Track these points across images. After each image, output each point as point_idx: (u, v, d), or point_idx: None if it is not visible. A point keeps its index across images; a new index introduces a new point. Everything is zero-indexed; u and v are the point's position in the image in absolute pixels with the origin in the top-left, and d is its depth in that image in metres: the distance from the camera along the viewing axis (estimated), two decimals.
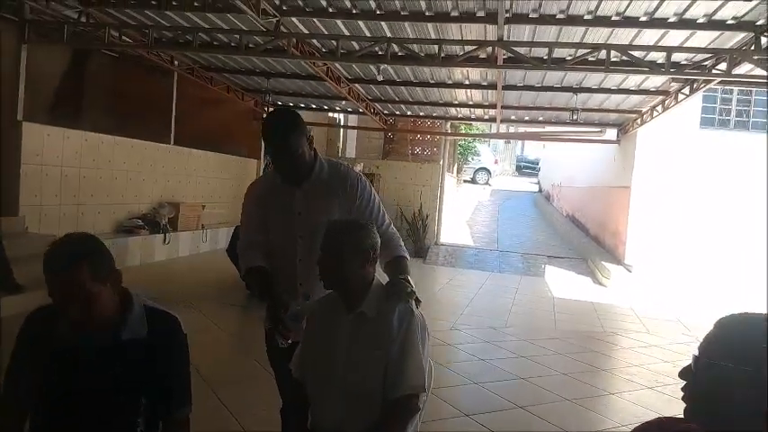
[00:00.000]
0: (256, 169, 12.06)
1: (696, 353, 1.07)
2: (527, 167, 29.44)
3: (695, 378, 1.05)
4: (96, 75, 10.40)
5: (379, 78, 7.51)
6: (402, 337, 1.81)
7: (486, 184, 22.83)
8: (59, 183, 6.94)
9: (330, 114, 13.44)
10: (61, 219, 6.98)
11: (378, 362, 1.79)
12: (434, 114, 11.85)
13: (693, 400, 1.06)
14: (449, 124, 12.86)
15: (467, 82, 8.54)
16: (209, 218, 9.82)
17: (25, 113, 6.65)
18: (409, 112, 11.95)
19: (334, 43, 6.38)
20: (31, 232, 6.43)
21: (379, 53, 6.39)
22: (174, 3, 6.11)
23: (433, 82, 8.78)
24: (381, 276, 2.08)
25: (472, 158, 23.08)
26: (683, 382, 1.08)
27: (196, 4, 6.01)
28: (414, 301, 1.91)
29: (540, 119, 11.02)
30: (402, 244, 2.27)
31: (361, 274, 1.88)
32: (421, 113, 11.97)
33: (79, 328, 1.50)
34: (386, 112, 11.91)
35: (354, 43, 6.52)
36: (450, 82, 8.66)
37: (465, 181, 22.00)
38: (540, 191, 22.14)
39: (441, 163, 12.74)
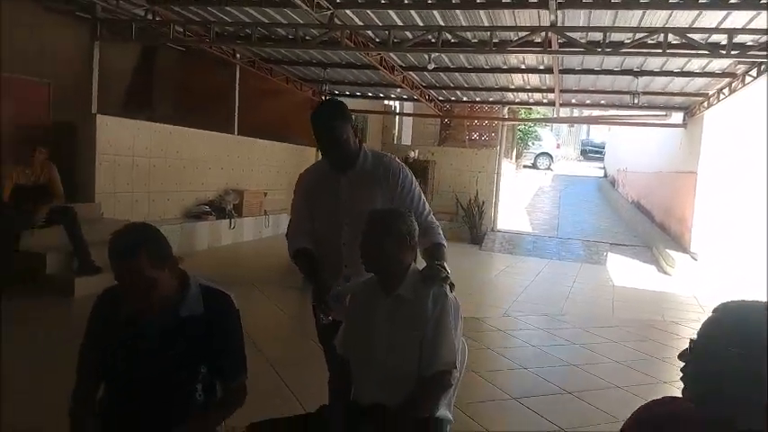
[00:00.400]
0: (315, 157, 12.34)
1: (695, 337, 1.12)
2: (593, 152, 28.52)
3: (693, 361, 1.10)
4: (164, 69, 10.93)
5: (431, 67, 7.53)
6: (436, 319, 1.91)
7: (548, 169, 22.34)
8: (131, 171, 7.38)
9: (386, 102, 13.52)
10: (134, 205, 7.45)
11: (414, 342, 1.90)
12: (491, 99, 11.72)
13: (690, 382, 1.11)
14: (506, 109, 12.72)
15: (523, 67, 8.42)
16: (271, 204, 10.17)
17: (99, 107, 7.11)
18: (465, 98, 11.87)
19: (387, 33, 6.46)
20: (106, 218, 6.89)
21: (432, 41, 6.40)
22: None
23: (488, 67, 8.71)
24: (420, 263, 2.20)
25: (533, 143, 22.64)
26: None
27: None
28: (448, 286, 1.99)
29: (602, 102, 10.72)
30: (440, 232, 2.36)
31: (399, 258, 1.99)
32: (477, 99, 11.87)
33: (141, 307, 1.69)
34: (441, 98, 11.88)
35: (407, 33, 6.57)
36: (505, 67, 8.56)
37: (525, 166, 21.63)
38: (606, 176, 21.45)
39: (497, 148, 12.62)
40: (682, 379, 1.13)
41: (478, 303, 6.33)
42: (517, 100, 11.46)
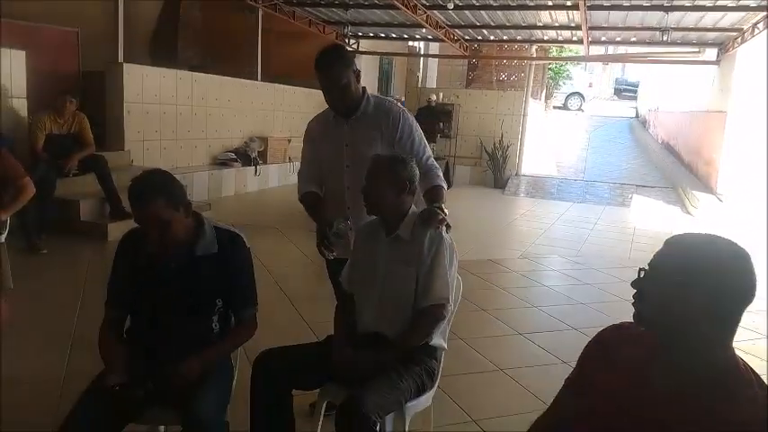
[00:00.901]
0: None
1: (646, 267, 1.23)
2: (627, 90, 27.53)
3: (642, 288, 1.22)
4: (187, 15, 10.98)
5: (450, 6, 7.38)
6: (431, 257, 2.05)
7: (579, 110, 21.84)
8: (159, 119, 7.57)
9: (410, 44, 13.31)
10: (162, 152, 7.68)
11: (410, 277, 2.06)
12: (518, 38, 11.46)
13: (640, 307, 1.22)
14: (534, 48, 12.40)
15: (549, 3, 8.20)
16: (296, 150, 10.20)
17: (125, 55, 7.24)
18: (492, 37, 11.60)
19: None
20: (136, 165, 7.12)
21: None
22: None
23: (514, 4, 8.50)
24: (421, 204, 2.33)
25: (564, 83, 22.07)
26: None
27: None
28: (444, 227, 2.12)
29: (633, 39, 10.37)
30: (440, 174, 2.47)
31: (398, 202, 2.12)
32: (504, 38, 11.62)
33: (160, 247, 1.87)
34: (467, 38, 11.63)
35: None
36: (531, 3, 8.35)
37: (555, 107, 21.18)
38: (637, 116, 20.91)
39: (524, 90, 12.39)
40: (633, 304, 1.25)
41: (496, 246, 6.48)
42: (546, 38, 11.19)
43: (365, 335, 2.11)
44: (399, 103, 2.57)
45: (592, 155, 14.63)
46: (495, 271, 5.44)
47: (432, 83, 14.58)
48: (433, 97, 11.40)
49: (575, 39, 10.46)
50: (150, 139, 7.47)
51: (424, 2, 8.47)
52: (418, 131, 2.49)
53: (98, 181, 5.73)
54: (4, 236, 3.74)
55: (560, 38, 10.83)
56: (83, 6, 7.08)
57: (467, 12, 9.16)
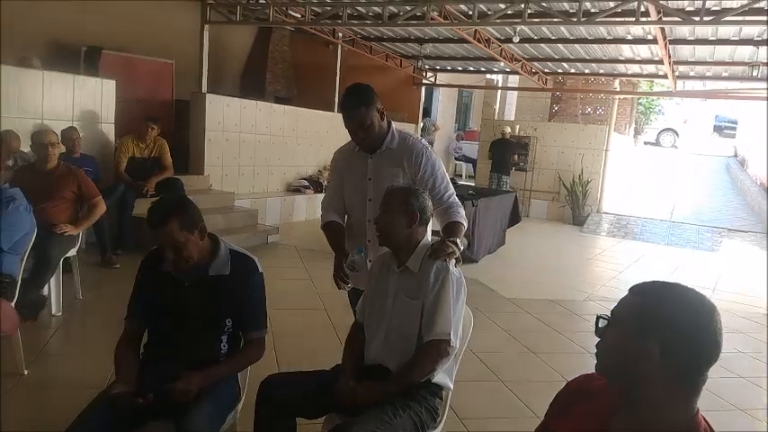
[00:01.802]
0: (415, 132, 12.50)
1: (607, 314, 1.15)
2: (727, 128, 25.91)
3: (604, 337, 1.14)
4: (276, 50, 11.60)
5: (516, 40, 7.31)
6: (437, 291, 2.02)
7: (673, 146, 20.74)
8: (238, 147, 7.99)
9: (488, 76, 13.28)
10: (239, 178, 8.07)
11: (415, 310, 2.04)
12: (601, 72, 11.15)
13: (601, 357, 1.14)
14: (617, 82, 11.98)
15: (629, 37, 7.94)
16: None
17: (209, 86, 7.74)
18: (573, 70, 11.38)
19: (465, 7, 6.41)
20: (214, 189, 7.57)
21: (517, 13, 6.25)
22: None
23: (591, 38, 8.31)
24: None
25: (655, 118, 21.08)
26: None
27: None
28: (453, 261, 2.08)
29: (725, 74, 9.79)
30: (461, 212, 2.44)
31: (408, 233, 2.11)
32: (586, 71, 11.35)
33: (175, 265, 1.96)
34: (546, 70, 11.47)
35: (493, 5, 6.46)
36: (609, 38, 8.12)
37: (647, 143, 20.23)
38: (736, 155, 19.54)
39: (607, 124, 11.96)
40: (596, 355, 1.17)
41: (561, 286, 6.20)
42: (629, 72, 10.80)
43: (370, 366, 2.10)
44: (424, 140, 2.57)
45: (682, 194, 13.80)
46: (553, 312, 5.22)
47: (510, 115, 14.41)
48: (508, 129, 11.25)
49: (660, 73, 10.01)
50: (229, 165, 7.88)
51: (498, 35, 8.45)
52: (441, 169, 2.48)
53: None
54: (74, 250, 4.05)
55: (645, 72, 10.41)
56: (179, 41, 7.65)
57: (543, 45, 9.04)
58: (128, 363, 1.98)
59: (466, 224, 2.42)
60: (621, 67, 10.37)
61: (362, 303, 2.27)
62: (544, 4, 5.97)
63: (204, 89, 7.54)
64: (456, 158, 15.74)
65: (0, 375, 2.79)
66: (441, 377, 2.07)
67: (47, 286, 3.78)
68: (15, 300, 2.85)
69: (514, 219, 8.15)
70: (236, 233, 6.75)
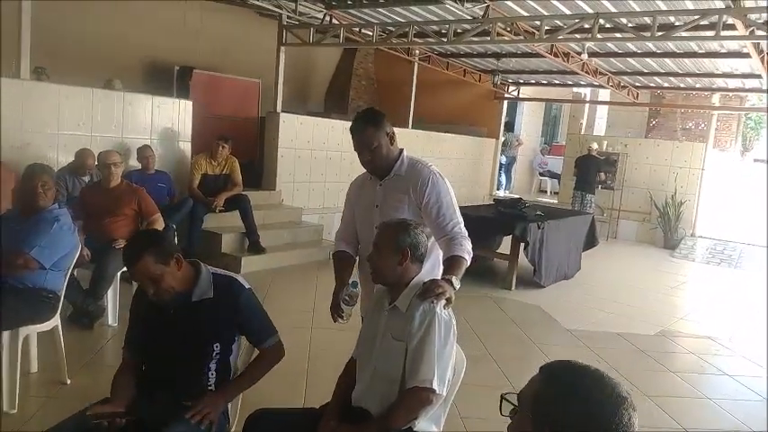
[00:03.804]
0: (494, 149, 12.23)
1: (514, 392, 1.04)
2: None
3: (515, 416, 1.03)
4: (360, 67, 11.89)
5: (584, 57, 6.95)
6: (422, 334, 1.92)
7: None
8: (309, 164, 8.18)
9: (575, 90, 12.74)
10: (310, 194, 8.26)
11: (399, 352, 1.95)
12: (697, 86, 10.37)
13: None
14: (716, 97, 11.08)
15: (722, 51, 7.31)
16: None
17: (294, 103, 8.00)
18: (666, 84, 10.67)
19: (538, 23, 6.19)
20: (285, 205, 7.79)
21: (586, 27, 5.95)
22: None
23: (680, 52, 7.75)
24: None
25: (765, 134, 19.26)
26: None
27: None
28: (442, 302, 1.97)
29: None
30: (465, 244, 2.31)
31: (399, 270, 2.03)
32: (681, 85, 10.60)
33: (155, 297, 2.01)
34: (637, 84, 10.83)
35: (567, 21, 6.20)
36: (700, 51, 7.53)
37: (757, 160, 18.52)
38: None
39: (706, 141, 11.08)
40: None
41: (635, 318, 5.76)
42: (730, 86, 9.96)
43: (355, 408, 2.04)
44: (434, 166, 2.48)
45: None
46: (616, 347, 4.85)
47: (600, 130, 13.72)
48: (595, 146, 10.69)
49: (764, 88, 9.14)
50: (300, 181, 8.09)
51: (578, 49, 8.08)
52: (447, 197, 2.38)
53: (241, 217, 6.33)
54: None
55: (747, 86, 9.54)
56: (266, 61, 8.00)
57: (630, 59, 8.55)
58: (122, 388, 2.04)
59: (469, 259, 2.29)
60: (720, 81, 9.59)
61: (358, 339, 2.21)
62: (616, 19, 5.63)
63: (279, 108, 7.80)
64: (540, 174, 15.21)
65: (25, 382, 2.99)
66: (424, 425, 1.96)
67: (105, 298, 4.03)
68: (59, 312, 3.05)
69: (590, 242, 7.71)
70: (300, 247, 6.91)
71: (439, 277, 2.22)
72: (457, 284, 2.11)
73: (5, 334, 2.72)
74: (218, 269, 2.18)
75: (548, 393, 0.98)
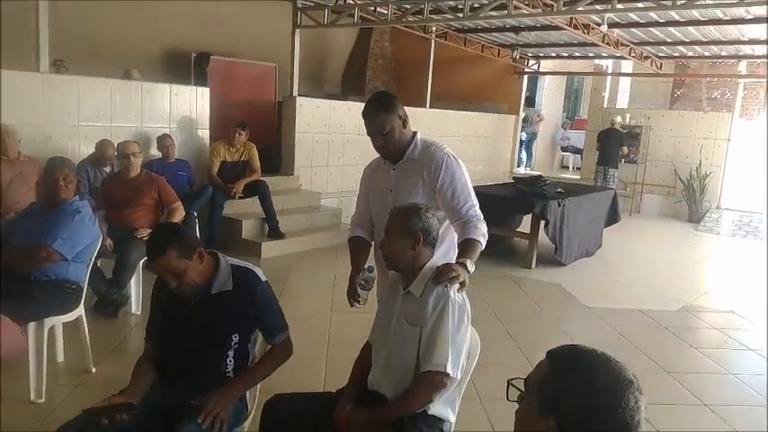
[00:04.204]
0: (514, 125, 12.08)
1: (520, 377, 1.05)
2: None
3: (523, 402, 1.05)
4: (376, 46, 11.82)
5: (604, 29, 6.78)
6: (435, 318, 1.93)
7: None
8: (327, 147, 8.18)
9: (596, 62, 12.47)
10: (328, 178, 8.28)
11: (413, 336, 1.97)
12: (723, 54, 10.07)
13: (520, 422, 1.05)
14: (743, 64, 10.74)
15: (748, 17, 7.08)
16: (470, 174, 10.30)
17: (311, 86, 7.98)
18: (690, 53, 10.38)
19: None
20: (303, 189, 7.83)
21: None
22: None
23: (704, 19, 7.52)
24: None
25: None
26: None
27: None
28: (456, 286, 1.97)
29: None
30: (480, 227, 2.30)
31: (412, 255, 2.04)
32: (706, 54, 10.30)
33: (178, 290, 2.04)
34: (661, 54, 10.56)
35: None
36: (725, 18, 7.30)
37: None
38: None
39: (731, 111, 10.78)
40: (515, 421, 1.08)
41: (657, 293, 5.70)
42: (756, 53, 9.65)
43: (371, 392, 2.07)
44: (447, 148, 2.47)
45: None
46: (638, 323, 4.81)
47: (623, 102, 13.44)
48: (618, 119, 10.50)
49: None
50: (318, 165, 8.10)
51: (598, 20, 7.89)
52: (462, 179, 2.37)
53: (260, 203, 6.39)
54: None
55: None
56: (283, 44, 7.99)
57: (652, 29, 8.32)
58: (140, 377, 2.10)
59: (484, 241, 2.29)
60: (747, 48, 9.29)
61: (373, 324, 2.24)
62: None
63: (295, 92, 7.79)
64: (562, 149, 14.99)
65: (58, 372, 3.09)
66: (439, 409, 1.99)
67: (128, 286, 4.13)
68: (83, 302, 3.13)
69: (612, 218, 7.62)
70: (319, 231, 6.96)
71: (453, 260, 2.23)
72: (471, 268, 2.12)
73: (31, 325, 2.81)
74: (237, 260, 2.21)
75: (554, 378, 0.99)
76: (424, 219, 2.04)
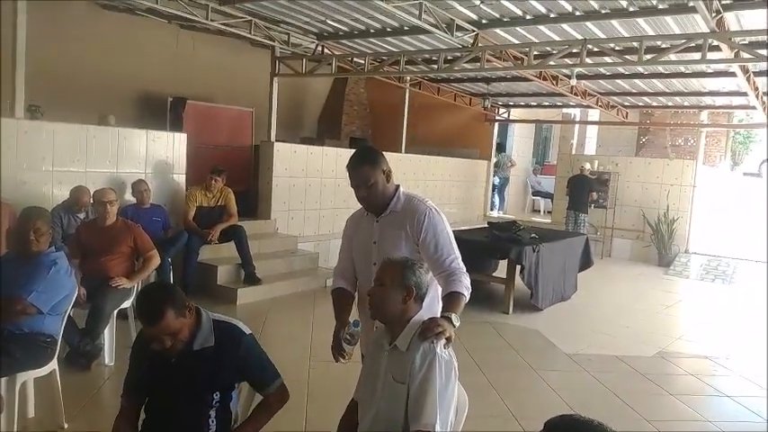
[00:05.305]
0: (486, 170, 12.32)
1: None
2: None
3: None
4: (352, 92, 12.03)
5: (573, 82, 7.06)
6: (423, 376, 1.92)
7: None
8: (304, 191, 8.21)
9: (564, 110, 12.90)
10: (305, 222, 8.27)
11: (401, 394, 1.95)
12: (686, 104, 10.53)
13: None
14: (704, 114, 11.24)
15: (709, 70, 7.45)
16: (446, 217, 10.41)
17: (288, 130, 8.05)
18: (655, 103, 10.84)
19: (527, 49, 6.30)
20: (280, 233, 7.79)
21: (575, 52, 6.06)
22: (388, 30, 6.84)
23: (667, 72, 7.89)
24: None
25: (754, 147, 19.48)
26: None
27: (406, 28, 6.64)
28: (443, 341, 1.97)
29: None
30: (463, 279, 2.31)
31: (402, 308, 2.04)
32: (669, 104, 10.76)
33: (170, 349, 1.98)
34: (626, 103, 10.99)
35: (548, 47, 6.33)
36: (687, 71, 7.67)
37: (746, 174, 18.69)
38: None
39: (695, 158, 11.21)
40: None
41: (632, 340, 5.76)
42: (717, 104, 10.12)
43: None
44: (430, 201, 2.50)
45: None
46: (615, 371, 4.84)
47: (591, 149, 13.85)
48: (587, 165, 10.79)
49: (752, 105, 9.29)
50: (295, 209, 8.10)
51: (567, 72, 8.21)
52: (444, 232, 2.39)
53: (236, 248, 6.32)
54: (130, 301, 4.28)
55: (734, 103, 9.70)
56: (260, 90, 8.08)
57: (618, 80, 8.69)
58: None
59: (468, 294, 2.30)
60: (708, 99, 9.74)
61: (359, 380, 2.21)
62: (603, 45, 5.74)
63: (273, 138, 7.85)
64: (534, 194, 15.29)
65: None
66: None
67: (102, 337, 4.00)
68: (56, 356, 3.03)
69: (586, 263, 7.74)
70: (296, 276, 6.89)
71: (438, 314, 2.24)
72: (456, 322, 2.12)
73: (3, 381, 2.70)
74: (218, 314, 2.17)
75: None
76: (417, 273, 2.06)
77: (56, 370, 3.04)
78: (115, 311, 4.02)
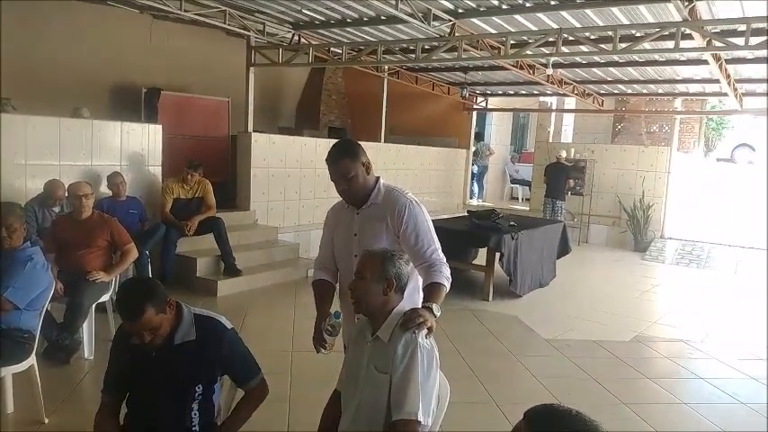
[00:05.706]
0: (465, 158, 12.37)
1: None
2: None
3: None
4: (329, 81, 11.97)
5: (549, 71, 7.12)
6: (405, 365, 1.94)
7: (749, 163, 19.38)
8: (283, 182, 8.16)
9: (541, 99, 13.00)
10: (285, 212, 8.23)
11: (383, 384, 1.96)
12: (660, 92, 10.68)
13: None
14: (678, 101, 11.42)
15: (682, 58, 7.56)
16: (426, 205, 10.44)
17: (266, 120, 7.97)
18: (629, 91, 10.98)
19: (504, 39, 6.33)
20: (260, 224, 7.75)
21: (551, 41, 6.10)
22: (365, 19, 6.81)
23: (642, 60, 7.99)
24: None
25: (727, 134, 19.83)
26: None
27: (383, 17, 6.61)
28: (424, 331, 1.99)
29: None
30: (444, 270, 2.33)
31: (383, 300, 2.06)
32: (644, 91, 10.91)
33: (151, 344, 1.98)
34: (602, 92, 11.11)
35: (531, 37, 6.36)
36: (662, 59, 7.77)
37: (720, 160, 19.01)
38: None
39: (670, 145, 11.39)
40: None
41: (609, 325, 5.87)
42: (691, 91, 10.28)
43: None
44: (410, 193, 2.51)
45: (758, 216, 12.82)
46: (594, 355, 4.93)
47: (567, 137, 13.99)
48: (564, 153, 10.90)
49: (725, 92, 9.46)
50: (274, 200, 8.06)
51: (543, 61, 8.26)
52: (424, 224, 2.41)
53: (215, 240, 6.28)
54: (108, 295, 4.23)
55: (708, 90, 9.87)
56: (236, 79, 8.00)
57: (594, 69, 8.77)
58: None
59: (448, 284, 2.33)
60: (682, 87, 9.90)
61: (341, 371, 2.22)
62: (579, 34, 5.79)
63: (250, 128, 7.78)
64: (512, 181, 15.41)
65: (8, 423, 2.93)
66: None
67: (80, 331, 3.96)
68: (35, 351, 2.99)
69: (564, 249, 7.85)
70: (276, 268, 6.86)
71: (419, 304, 2.26)
72: (437, 312, 2.14)
73: None
74: (200, 309, 2.16)
75: None
76: (397, 265, 2.07)
77: (34, 365, 3.00)
78: (93, 305, 3.97)
